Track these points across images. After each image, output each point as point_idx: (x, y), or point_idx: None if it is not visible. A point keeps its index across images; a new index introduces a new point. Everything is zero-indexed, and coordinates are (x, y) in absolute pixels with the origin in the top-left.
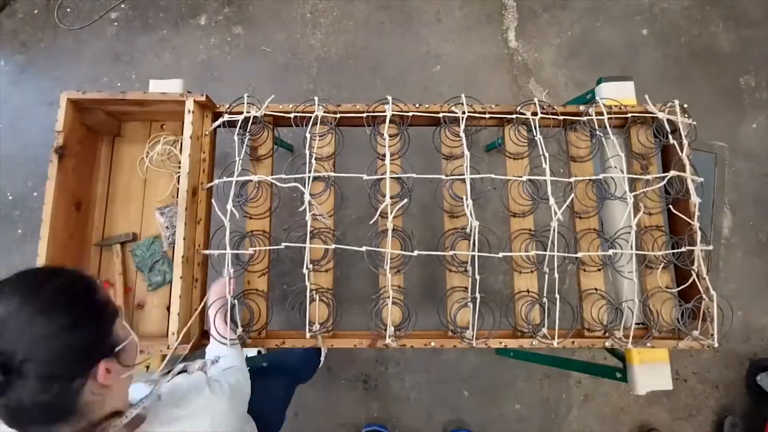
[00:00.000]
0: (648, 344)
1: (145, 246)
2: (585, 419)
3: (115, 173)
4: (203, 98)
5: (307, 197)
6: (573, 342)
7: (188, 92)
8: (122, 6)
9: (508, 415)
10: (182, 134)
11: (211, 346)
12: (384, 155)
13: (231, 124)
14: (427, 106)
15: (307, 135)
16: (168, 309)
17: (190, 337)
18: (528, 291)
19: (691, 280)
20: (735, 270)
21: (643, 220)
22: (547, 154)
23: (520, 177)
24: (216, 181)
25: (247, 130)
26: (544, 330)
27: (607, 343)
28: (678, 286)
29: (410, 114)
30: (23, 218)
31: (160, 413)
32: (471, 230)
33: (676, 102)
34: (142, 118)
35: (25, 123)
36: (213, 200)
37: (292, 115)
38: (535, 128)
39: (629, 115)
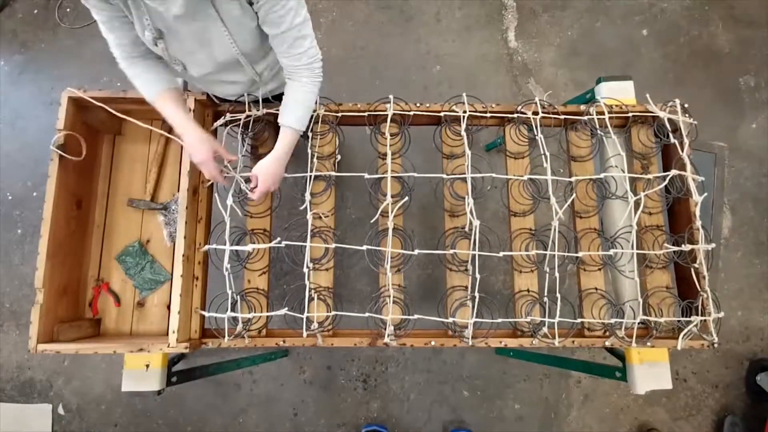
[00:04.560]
0: (649, 343)
1: (132, 252)
2: (585, 419)
3: (116, 171)
4: (204, 97)
5: (307, 196)
6: (573, 341)
7: (189, 91)
8: None
9: (508, 415)
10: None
11: None
12: (385, 154)
13: (232, 122)
14: (428, 105)
15: (309, 133)
16: (168, 307)
17: (189, 335)
18: (528, 290)
19: (691, 279)
20: (735, 270)
21: (643, 220)
22: (548, 154)
23: (521, 176)
24: None
25: (249, 128)
26: (545, 329)
27: (607, 343)
28: (678, 285)
29: (411, 113)
30: (23, 218)
31: None
32: (471, 229)
33: (677, 101)
34: (143, 116)
35: (25, 123)
36: (214, 198)
37: None
38: (536, 127)
39: (630, 114)
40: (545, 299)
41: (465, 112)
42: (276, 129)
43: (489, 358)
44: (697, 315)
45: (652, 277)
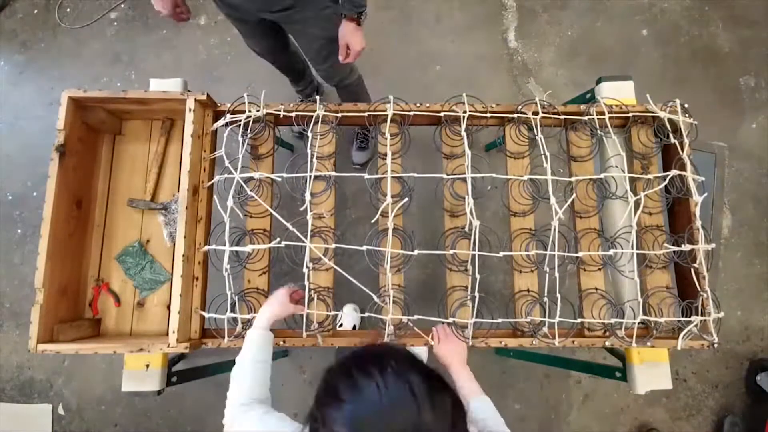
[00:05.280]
0: (649, 343)
1: (132, 252)
2: (585, 419)
3: (116, 172)
4: (204, 97)
5: (307, 196)
6: (573, 341)
7: (189, 91)
8: (122, 6)
9: (508, 415)
10: (183, 132)
11: None
12: (385, 154)
13: (232, 123)
14: (428, 105)
15: (309, 134)
16: (168, 307)
17: (189, 335)
18: (528, 290)
19: (691, 279)
20: (735, 270)
21: (643, 220)
22: (548, 154)
23: (521, 176)
24: (217, 178)
25: (249, 129)
26: (545, 329)
27: (607, 343)
28: (678, 285)
29: (411, 113)
30: (23, 218)
31: None
32: (471, 229)
33: (677, 101)
34: (143, 116)
35: (25, 123)
36: (214, 198)
37: (293, 114)
38: (536, 128)
39: (630, 114)
40: (545, 299)
41: (465, 112)
42: (274, 130)
43: (489, 359)
44: (697, 315)
45: (652, 277)
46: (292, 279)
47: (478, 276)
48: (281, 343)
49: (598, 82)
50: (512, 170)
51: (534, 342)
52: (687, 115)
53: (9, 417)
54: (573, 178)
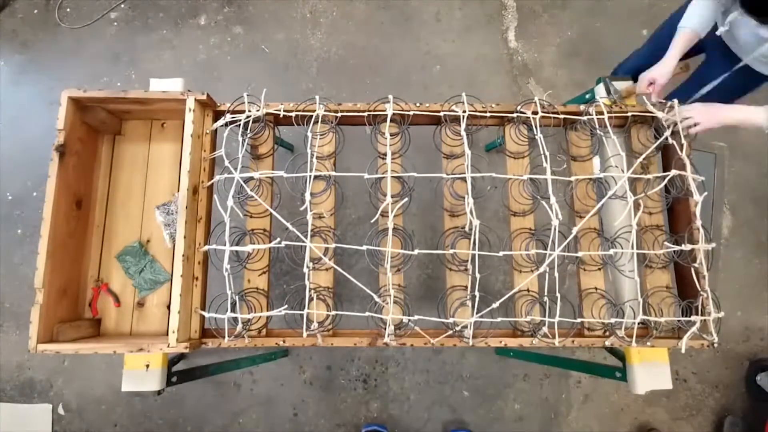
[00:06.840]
0: (649, 343)
1: (132, 252)
2: (585, 419)
3: (116, 172)
4: (204, 97)
5: (307, 196)
6: (573, 341)
7: (189, 91)
8: (122, 6)
9: (508, 415)
10: (183, 132)
11: None
12: (385, 154)
13: (231, 122)
14: (427, 105)
15: (309, 134)
16: (168, 307)
17: (189, 335)
18: (528, 290)
19: (691, 279)
20: (735, 270)
21: (643, 220)
22: (547, 153)
23: (521, 176)
24: (217, 178)
25: (248, 128)
26: (545, 329)
27: (607, 342)
28: (678, 285)
29: (411, 113)
30: (23, 218)
31: None
32: (471, 229)
33: (676, 101)
34: (143, 116)
35: (25, 123)
36: (214, 198)
37: (293, 114)
38: (536, 127)
39: (629, 114)
40: (545, 299)
41: (465, 111)
42: (274, 130)
43: (489, 358)
44: (697, 315)
45: (652, 276)
46: (292, 279)
47: (478, 275)
48: (281, 342)
49: (598, 81)
50: (512, 170)
51: (534, 342)
52: None
53: (9, 417)
54: (573, 178)
